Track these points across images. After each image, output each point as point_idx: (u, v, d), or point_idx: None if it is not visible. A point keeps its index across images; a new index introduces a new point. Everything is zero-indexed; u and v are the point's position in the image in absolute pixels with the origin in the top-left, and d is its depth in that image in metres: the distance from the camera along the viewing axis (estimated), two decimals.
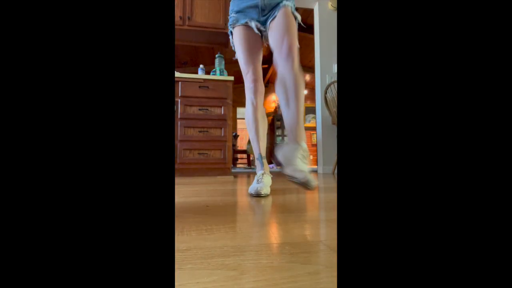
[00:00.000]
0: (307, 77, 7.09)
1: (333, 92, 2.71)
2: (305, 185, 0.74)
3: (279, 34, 1.02)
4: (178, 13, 2.51)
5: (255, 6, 1.08)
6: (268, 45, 1.12)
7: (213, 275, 0.33)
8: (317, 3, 3.18)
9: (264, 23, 1.11)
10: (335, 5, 3.17)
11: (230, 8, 1.17)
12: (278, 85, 0.96)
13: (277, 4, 1.07)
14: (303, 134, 0.83)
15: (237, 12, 1.12)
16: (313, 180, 0.72)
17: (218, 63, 2.47)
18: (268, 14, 1.09)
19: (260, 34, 1.13)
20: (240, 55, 1.13)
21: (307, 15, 4.17)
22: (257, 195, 0.98)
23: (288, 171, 0.76)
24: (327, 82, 3.05)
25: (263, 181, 1.04)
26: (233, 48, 1.21)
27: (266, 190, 0.99)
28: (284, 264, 0.36)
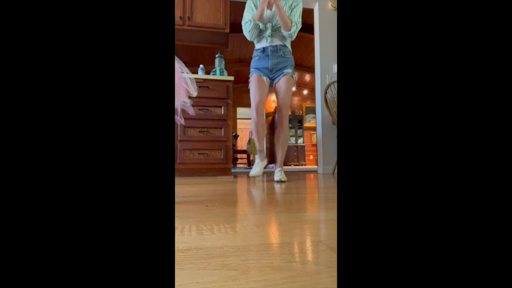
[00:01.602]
0: (307, 77, 7.08)
1: (333, 92, 2.71)
2: (282, 182, 1.78)
3: (282, 101, 1.88)
4: (178, 13, 2.51)
5: (267, 68, 1.90)
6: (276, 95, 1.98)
7: (213, 275, 0.33)
8: (317, 3, 3.18)
9: (271, 79, 1.93)
10: (335, 5, 3.17)
11: (252, 64, 1.97)
12: (276, 138, 1.95)
13: (282, 69, 1.89)
14: (282, 163, 1.95)
15: (256, 68, 1.93)
16: (285, 178, 1.86)
17: (218, 63, 2.47)
18: (275, 74, 1.90)
19: (269, 83, 1.94)
20: (252, 89, 1.90)
21: (307, 15, 4.17)
22: (254, 176, 2.02)
23: (276, 178, 1.84)
24: (327, 82, 3.05)
25: (260, 166, 2.00)
26: (250, 87, 1.98)
27: (261, 172, 1.99)
28: (284, 264, 0.36)
